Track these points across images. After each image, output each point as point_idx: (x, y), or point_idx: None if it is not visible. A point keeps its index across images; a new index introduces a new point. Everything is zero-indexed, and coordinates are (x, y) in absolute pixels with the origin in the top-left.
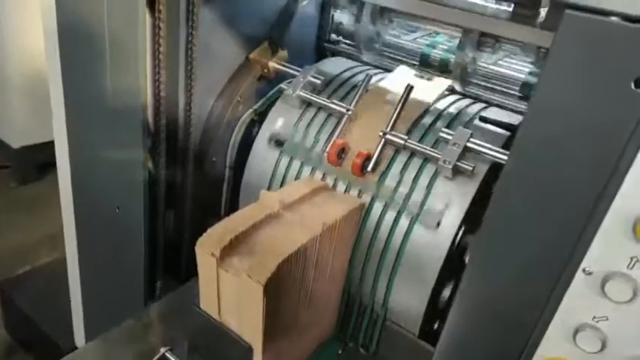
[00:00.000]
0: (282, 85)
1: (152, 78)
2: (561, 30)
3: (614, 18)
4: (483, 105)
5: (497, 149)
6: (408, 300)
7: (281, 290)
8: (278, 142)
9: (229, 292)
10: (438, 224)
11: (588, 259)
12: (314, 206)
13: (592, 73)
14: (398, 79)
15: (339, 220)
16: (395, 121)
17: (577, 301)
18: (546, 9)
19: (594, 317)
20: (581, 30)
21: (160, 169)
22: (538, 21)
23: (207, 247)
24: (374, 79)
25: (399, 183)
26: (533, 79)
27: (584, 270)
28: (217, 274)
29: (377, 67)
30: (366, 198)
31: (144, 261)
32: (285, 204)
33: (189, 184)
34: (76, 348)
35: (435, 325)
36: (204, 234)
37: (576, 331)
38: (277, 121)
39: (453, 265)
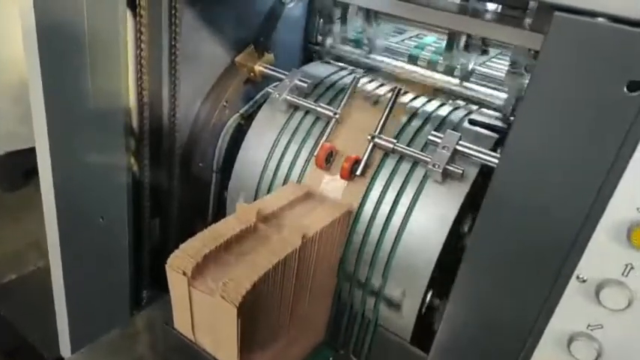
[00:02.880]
0: (269, 89)
1: (135, 82)
2: (551, 33)
3: (606, 20)
4: (472, 107)
5: (487, 152)
6: (399, 305)
7: (258, 308)
8: (265, 147)
9: (202, 311)
10: (429, 229)
11: (582, 266)
12: (295, 216)
13: (583, 77)
14: (384, 81)
15: (320, 230)
16: (383, 125)
17: (571, 309)
18: (533, 11)
19: (589, 325)
20: (572, 32)
21: (144, 175)
22: (526, 23)
23: (178, 265)
24: (361, 82)
25: (388, 187)
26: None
27: (577, 277)
28: (189, 293)
29: (365, 69)
30: (355, 202)
31: (129, 270)
32: (263, 216)
33: (175, 190)
34: (61, 359)
35: (429, 330)
36: (175, 251)
37: (570, 340)
38: (264, 126)
39: (445, 269)
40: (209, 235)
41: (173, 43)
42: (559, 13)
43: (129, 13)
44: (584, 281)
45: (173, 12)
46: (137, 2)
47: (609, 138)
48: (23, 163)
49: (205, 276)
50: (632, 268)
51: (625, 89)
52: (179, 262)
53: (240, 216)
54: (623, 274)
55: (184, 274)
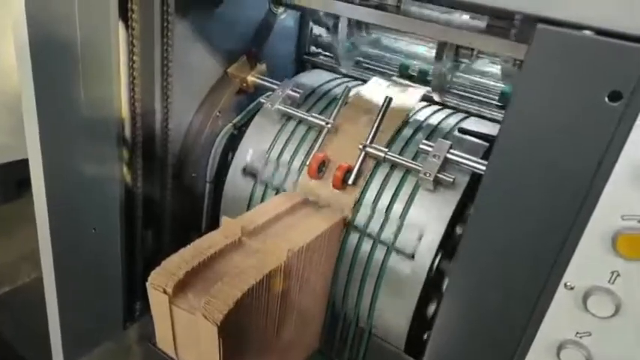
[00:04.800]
0: (261, 99)
1: (127, 93)
2: (534, 44)
3: (586, 32)
4: (463, 115)
5: (477, 160)
6: (392, 314)
7: (242, 324)
8: (258, 157)
9: (184, 329)
10: (420, 238)
11: (569, 273)
12: (283, 229)
13: (566, 88)
14: (375, 90)
15: (307, 243)
16: (375, 134)
17: (559, 317)
18: (519, 22)
19: (577, 333)
20: (554, 44)
21: (137, 186)
22: (512, 34)
23: (159, 283)
24: (353, 91)
25: (380, 196)
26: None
27: (565, 285)
28: (171, 311)
29: (356, 78)
30: (348, 211)
31: (122, 281)
32: (249, 230)
33: (168, 200)
34: None
35: (422, 338)
36: (156, 268)
37: (560, 348)
38: (257, 136)
39: (437, 277)
40: (192, 250)
41: (165, 54)
42: (542, 25)
43: (121, 25)
44: (571, 289)
45: (165, 24)
46: (129, 14)
47: (592, 147)
48: (16, 175)
49: (187, 293)
50: (618, 275)
51: (606, 99)
52: (160, 280)
53: (225, 231)
54: (609, 281)
55: (165, 292)
